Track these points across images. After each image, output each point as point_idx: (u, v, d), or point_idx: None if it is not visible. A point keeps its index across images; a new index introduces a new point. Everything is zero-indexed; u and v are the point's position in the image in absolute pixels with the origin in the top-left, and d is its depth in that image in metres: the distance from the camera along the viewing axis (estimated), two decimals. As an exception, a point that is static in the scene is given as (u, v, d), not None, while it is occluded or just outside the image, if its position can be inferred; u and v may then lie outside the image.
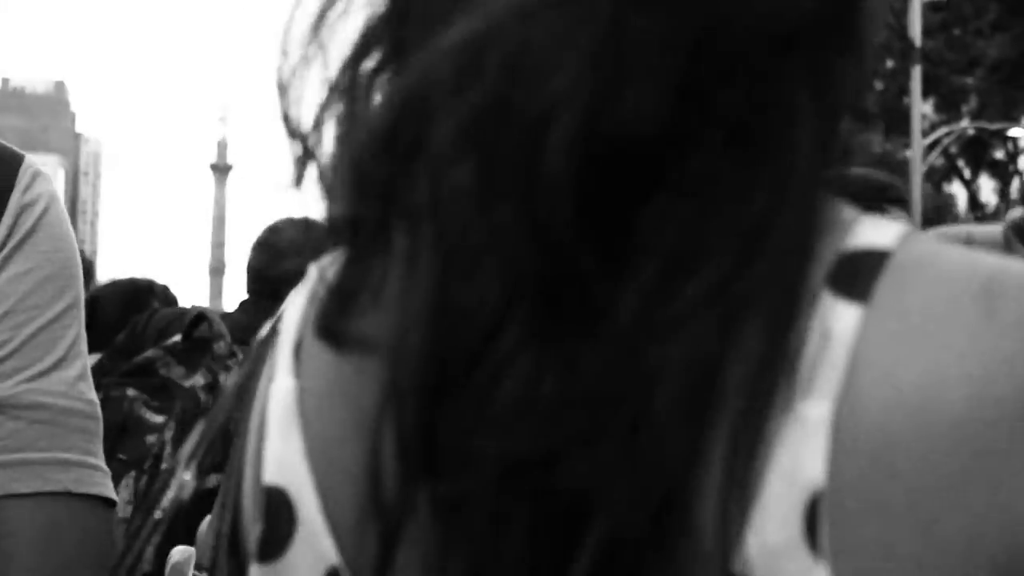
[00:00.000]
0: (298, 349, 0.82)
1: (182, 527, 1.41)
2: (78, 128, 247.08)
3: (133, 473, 2.94)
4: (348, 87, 0.78)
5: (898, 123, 26.53)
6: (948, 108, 29.51)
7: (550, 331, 0.69)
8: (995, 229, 4.00)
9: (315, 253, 0.84)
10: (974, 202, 32.54)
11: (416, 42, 0.74)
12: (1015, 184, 32.18)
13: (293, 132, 0.80)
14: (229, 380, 0.97)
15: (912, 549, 0.66)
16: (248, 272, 4.08)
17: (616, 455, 0.68)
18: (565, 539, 0.68)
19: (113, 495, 1.47)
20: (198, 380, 3.01)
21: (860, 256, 0.71)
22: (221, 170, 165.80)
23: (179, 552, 1.55)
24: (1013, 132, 28.02)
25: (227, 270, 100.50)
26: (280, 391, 0.81)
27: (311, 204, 0.78)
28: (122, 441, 2.88)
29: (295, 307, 0.84)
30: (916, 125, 22.78)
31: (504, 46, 0.70)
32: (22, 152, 1.52)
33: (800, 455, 0.67)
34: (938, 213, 34.42)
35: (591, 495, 0.68)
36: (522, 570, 0.70)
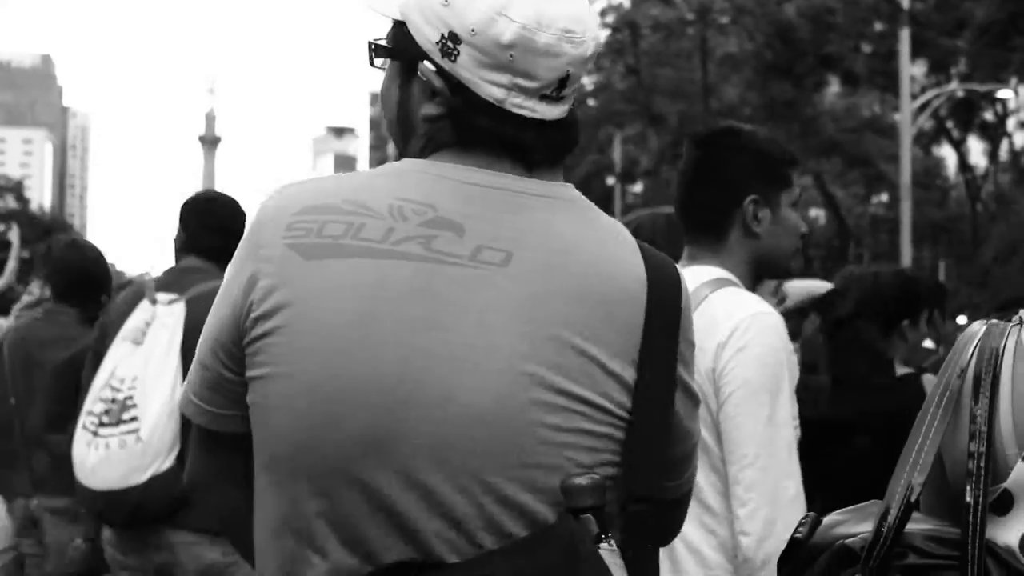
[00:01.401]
0: None
1: None
2: (65, 102, 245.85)
3: None
4: None
5: (887, 86, 26.51)
6: (937, 70, 29.46)
7: None
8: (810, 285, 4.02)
9: None
10: (963, 164, 32.53)
11: None
12: (1004, 145, 32.17)
13: None
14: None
15: None
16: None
17: None
18: None
19: None
20: None
21: None
22: (210, 142, 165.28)
23: None
24: (1002, 94, 27.99)
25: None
26: None
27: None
28: None
29: None
30: (905, 88, 22.75)
31: None
32: None
33: None
34: (928, 175, 34.43)
35: None
36: None
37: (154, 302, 4.06)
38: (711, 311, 2.45)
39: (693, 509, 2.25)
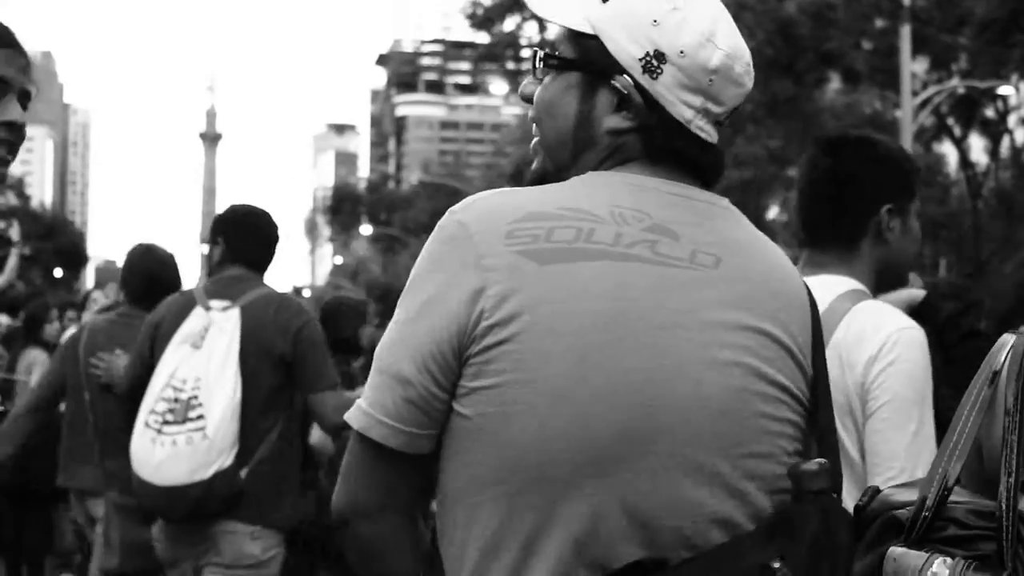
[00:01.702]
0: None
1: None
2: (66, 99, 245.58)
3: None
4: None
5: (888, 82, 26.49)
6: (938, 67, 29.44)
7: None
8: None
9: None
10: (964, 161, 32.52)
11: None
12: (1005, 142, 32.16)
13: None
14: None
15: None
16: None
17: None
18: None
19: None
20: None
21: None
22: (210, 139, 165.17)
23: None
24: (1003, 90, 27.97)
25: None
26: None
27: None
28: None
29: None
30: (906, 84, 22.75)
31: None
32: None
33: None
34: (929, 172, 34.38)
35: None
36: None
37: (208, 309, 4.35)
38: (858, 325, 2.50)
39: None
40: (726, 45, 1.67)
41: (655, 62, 1.65)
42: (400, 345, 1.63)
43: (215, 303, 4.38)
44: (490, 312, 1.57)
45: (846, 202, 2.64)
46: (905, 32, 22.47)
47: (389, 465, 1.65)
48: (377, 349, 1.67)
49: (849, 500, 2.48)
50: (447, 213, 1.69)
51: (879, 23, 26.61)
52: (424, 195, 60.58)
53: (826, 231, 2.66)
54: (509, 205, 1.65)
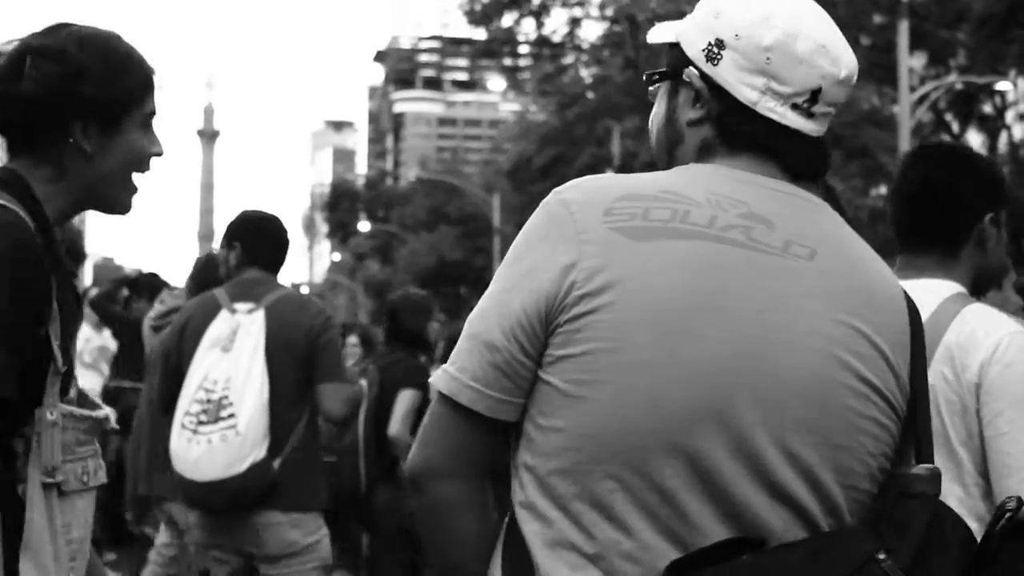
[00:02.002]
0: None
1: None
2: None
3: None
4: None
5: (886, 78, 26.48)
6: (936, 63, 29.44)
7: None
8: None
9: None
10: (963, 157, 32.52)
11: None
12: (1002, 138, 32.16)
13: None
14: None
15: None
16: None
17: None
18: None
19: None
20: None
21: None
22: (208, 136, 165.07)
23: None
24: (1000, 86, 27.97)
25: (215, 236, 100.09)
26: None
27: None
28: None
29: None
30: (904, 80, 22.74)
31: None
32: None
33: None
34: (927, 168, 34.39)
35: None
36: None
37: (233, 312, 4.65)
38: (969, 327, 2.57)
39: None
40: (783, 23, 1.70)
41: (715, 49, 1.73)
42: (492, 312, 1.69)
43: (239, 306, 4.67)
44: (582, 283, 1.63)
45: (951, 210, 2.74)
46: (903, 28, 22.46)
47: (469, 430, 1.71)
48: (469, 317, 1.74)
49: (951, 499, 2.49)
50: (552, 192, 1.75)
51: (877, 18, 26.62)
52: (422, 191, 60.58)
53: (928, 237, 2.75)
54: (611, 186, 1.72)
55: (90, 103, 2.12)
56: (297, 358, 4.62)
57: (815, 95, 1.72)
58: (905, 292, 1.77)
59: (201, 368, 4.55)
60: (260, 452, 4.43)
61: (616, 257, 1.63)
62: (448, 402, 1.71)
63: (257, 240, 4.88)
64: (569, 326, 1.63)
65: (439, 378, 1.73)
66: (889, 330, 1.69)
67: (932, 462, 1.70)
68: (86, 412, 2.11)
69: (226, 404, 4.45)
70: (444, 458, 1.72)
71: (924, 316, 2.54)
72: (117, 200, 2.22)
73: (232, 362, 4.52)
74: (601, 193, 1.70)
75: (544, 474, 1.66)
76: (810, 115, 1.73)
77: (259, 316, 4.62)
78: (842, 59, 1.73)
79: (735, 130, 1.74)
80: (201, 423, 4.42)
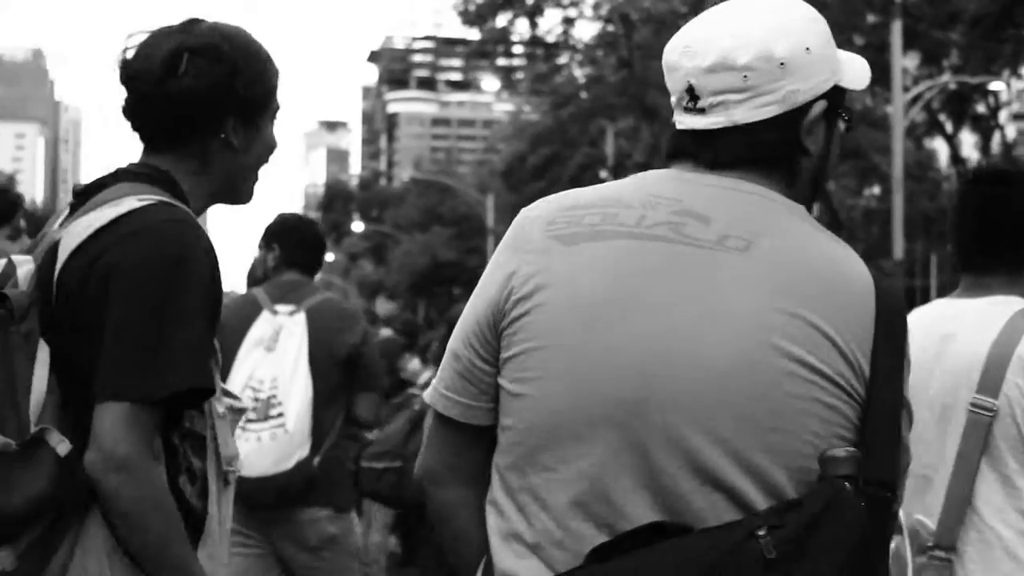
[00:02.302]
0: None
1: None
2: (57, 96, 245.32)
3: None
4: None
5: (880, 78, 26.52)
6: (930, 63, 29.47)
7: None
8: None
9: None
10: (955, 157, 32.57)
11: None
12: (996, 138, 32.20)
13: None
14: None
15: None
16: None
17: None
18: None
19: None
20: None
21: None
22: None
23: None
24: (994, 86, 28.01)
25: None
26: None
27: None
28: None
29: None
30: (897, 80, 22.76)
31: None
32: None
33: None
34: (920, 168, 34.44)
35: None
36: None
37: (275, 313, 4.79)
38: None
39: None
40: (671, 44, 1.82)
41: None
42: (460, 323, 1.83)
43: (281, 307, 4.81)
44: (518, 288, 1.75)
45: (1014, 229, 2.82)
46: (896, 27, 22.49)
47: (453, 437, 1.83)
48: None
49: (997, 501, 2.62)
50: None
51: (870, 18, 26.64)
52: (415, 192, 60.57)
53: (993, 257, 2.83)
54: (565, 199, 1.83)
55: (241, 99, 2.21)
56: (337, 364, 4.82)
57: (692, 92, 1.78)
58: (877, 279, 1.75)
59: (245, 367, 4.70)
60: (304, 450, 4.63)
61: (548, 262, 1.74)
62: (434, 411, 1.85)
63: (296, 243, 5.01)
64: (509, 330, 1.74)
65: (428, 390, 1.87)
66: (839, 316, 1.69)
67: (891, 445, 1.70)
68: (240, 403, 2.27)
69: (275, 403, 4.62)
70: (438, 465, 1.85)
71: (994, 330, 2.64)
72: (247, 191, 2.34)
73: (277, 362, 4.70)
74: (552, 205, 1.82)
75: (502, 470, 1.76)
76: (701, 111, 1.79)
77: (301, 318, 4.77)
78: (710, 50, 1.77)
79: (669, 143, 1.87)
80: (250, 420, 4.55)
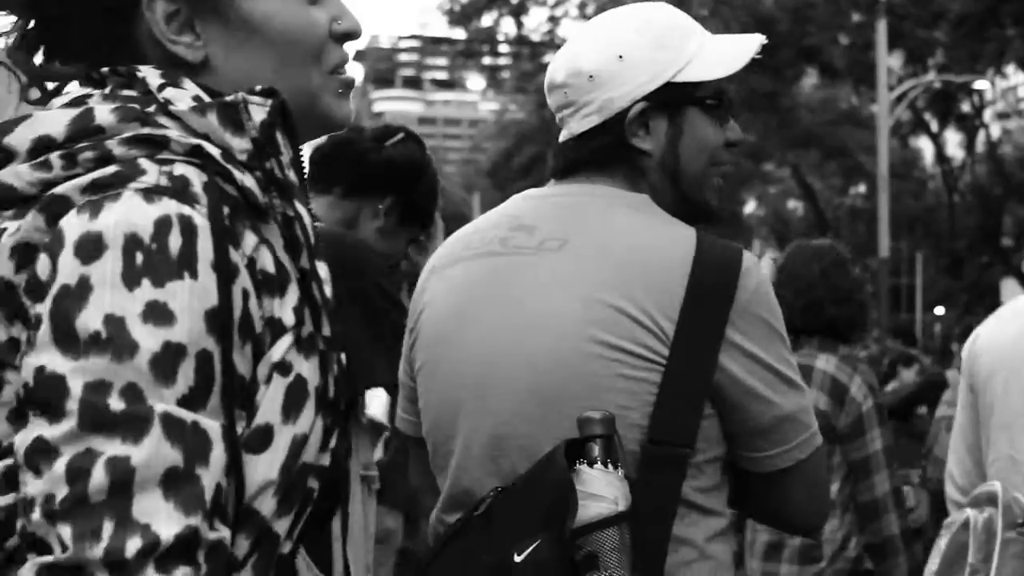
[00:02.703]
0: None
1: None
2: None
3: None
4: None
5: (865, 77, 26.55)
6: (914, 62, 29.52)
7: None
8: None
9: None
10: (940, 155, 32.64)
11: None
12: (980, 137, 32.28)
13: None
14: None
15: None
16: None
17: None
18: None
19: None
20: None
21: None
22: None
23: None
24: (978, 85, 28.07)
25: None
26: None
27: None
28: None
29: None
30: (882, 79, 22.80)
31: None
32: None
33: None
34: (905, 166, 34.50)
35: None
36: None
37: None
38: None
39: None
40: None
41: None
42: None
43: None
44: (411, 320, 2.02)
45: None
46: (881, 27, 22.52)
47: (419, 451, 2.03)
48: None
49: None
50: None
51: (855, 17, 26.67)
52: (402, 191, 60.31)
53: None
54: (459, 233, 2.03)
55: None
56: None
57: (554, 109, 1.99)
58: (704, 249, 1.84)
59: None
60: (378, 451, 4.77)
61: (424, 290, 2.00)
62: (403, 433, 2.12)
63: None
64: (409, 355, 2.02)
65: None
66: (641, 292, 1.80)
67: (687, 402, 1.80)
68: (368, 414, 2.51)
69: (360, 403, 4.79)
70: (416, 478, 2.12)
71: None
72: None
73: None
74: (450, 240, 2.04)
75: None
76: (563, 122, 1.98)
77: None
78: (556, 71, 1.97)
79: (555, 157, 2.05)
80: None
